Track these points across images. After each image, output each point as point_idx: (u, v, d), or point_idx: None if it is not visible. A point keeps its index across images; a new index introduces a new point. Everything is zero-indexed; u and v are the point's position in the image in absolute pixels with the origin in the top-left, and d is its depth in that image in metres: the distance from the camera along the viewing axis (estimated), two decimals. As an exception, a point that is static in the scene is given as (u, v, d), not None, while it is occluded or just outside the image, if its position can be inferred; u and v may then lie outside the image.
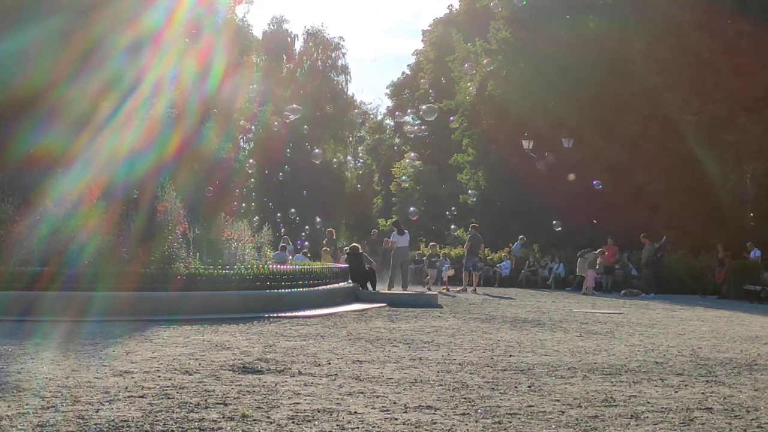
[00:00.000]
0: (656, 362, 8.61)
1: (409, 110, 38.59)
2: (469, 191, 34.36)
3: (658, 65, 28.24)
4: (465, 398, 6.23)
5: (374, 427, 5.21)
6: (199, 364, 7.62)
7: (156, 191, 15.25)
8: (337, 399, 6.09)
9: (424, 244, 37.87)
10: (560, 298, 21.55)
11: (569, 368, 7.96)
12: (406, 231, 22.86)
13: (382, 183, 57.07)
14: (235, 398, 6.00)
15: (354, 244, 22.68)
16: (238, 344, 9.14)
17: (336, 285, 17.09)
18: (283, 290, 14.79)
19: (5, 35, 14.94)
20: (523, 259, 30.04)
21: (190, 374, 7.02)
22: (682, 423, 5.55)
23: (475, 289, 23.67)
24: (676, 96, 27.85)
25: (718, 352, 9.68)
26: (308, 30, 61.56)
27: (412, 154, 42.22)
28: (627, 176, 30.15)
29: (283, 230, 33.22)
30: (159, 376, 6.84)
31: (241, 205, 31.42)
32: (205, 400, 5.89)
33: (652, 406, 6.10)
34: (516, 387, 6.79)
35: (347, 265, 19.41)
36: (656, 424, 5.51)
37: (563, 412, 5.79)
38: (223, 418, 5.35)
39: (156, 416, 5.34)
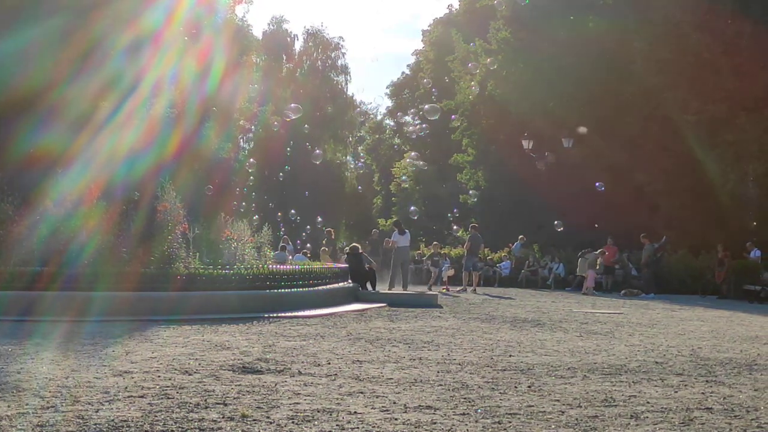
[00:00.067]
0: (656, 362, 8.61)
1: (411, 110, 38.63)
2: (470, 191, 34.38)
3: (658, 65, 28.25)
4: (465, 398, 6.23)
5: (374, 427, 5.21)
6: (199, 364, 7.62)
7: (156, 191, 15.24)
8: (337, 399, 6.08)
9: (424, 244, 37.91)
10: (560, 298, 21.55)
11: (569, 368, 7.96)
12: (407, 231, 22.86)
13: (382, 183, 57.07)
14: (234, 398, 6.00)
15: (354, 244, 22.67)
16: (238, 344, 9.14)
17: (336, 285, 17.09)
18: (282, 290, 14.78)
19: (5, 35, 14.94)
20: (523, 259, 30.04)
21: (190, 374, 7.01)
22: (682, 423, 5.55)
23: (474, 289, 23.68)
24: (676, 96, 27.86)
25: (717, 352, 9.68)
26: (308, 30, 61.62)
27: (413, 154, 42.24)
28: (627, 176, 30.16)
29: (283, 230, 33.22)
30: (159, 376, 6.83)
31: (241, 204, 31.42)
32: (205, 400, 5.89)
33: (652, 406, 6.10)
34: (516, 387, 6.79)
35: (347, 265, 19.40)
36: (656, 424, 5.51)
37: (563, 412, 5.79)
38: (223, 418, 5.35)
39: (156, 416, 5.34)
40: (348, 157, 62.47)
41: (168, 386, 6.39)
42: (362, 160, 55.04)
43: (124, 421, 5.18)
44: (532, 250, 31.39)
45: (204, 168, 22.92)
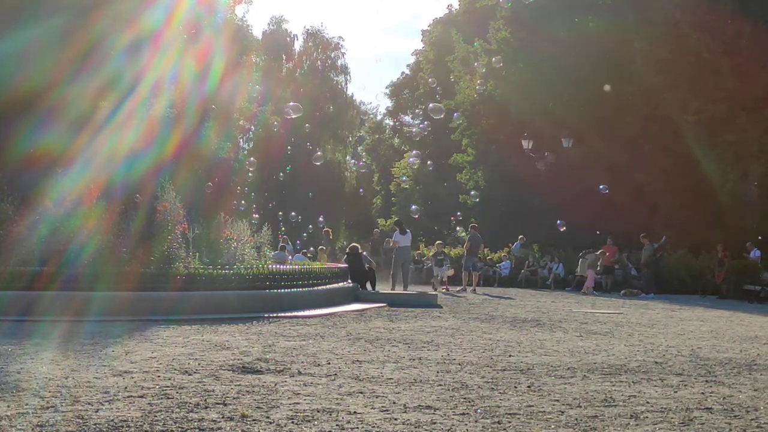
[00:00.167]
0: (656, 362, 8.61)
1: (416, 110, 38.55)
2: (472, 192, 34.37)
3: (658, 65, 28.24)
4: (464, 398, 6.23)
5: (374, 427, 5.21)
6: (199, 364, 7.62)
7: (155, 191, 15.24)
8: (337, 399, 6.08)
9: (424, 244, 37.90)
10: (560, 298, 21.55)
11: (569, 368, 7.96)
12: (408, 231, 22.85)
13: (382, 183, 57.07)
14: (234, 398, 6.00)
15: (354, 244, 22.67)
16: (238, 344, 9.14)
17: (335, 285, 17.08)
18: (282, 290, 14.78)
19: (5, 35, 14.94)
20: (523, 259, 30.04)
21: (190, 374, 7.01)
22: (682, 423, 5.55)
23: (474, 289, 23.68)
24: (676, 96, 27.85)
25: (717, 352, 9.68)
26: (308, 30, 61.64)
27: (414, 152, 42.20)
28: (627, 176, 30.15)
29: (283, 230, 33.21)
30: (158, 376, 6.83)
31: (241, 203, 31.40)
32: (205, 400, 5.89)
33: (652, 406, 6.10)
34: (515, 387, 6.79)
35: (347, 265, 19.40)
36: (656, 424, 5.51)
37: (563, 412, 5.79)
38: (223, 418, 5.35)
39: (155, 416, 5.34)
40: (348, 157, 62.50)
41: (168, 386, 6.39)
42: (363, 160, 54.98)
43: (124, 421, 5.18)
44: (531, 250, 31.39)
45: (204, 168, 22.92)
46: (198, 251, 15.45)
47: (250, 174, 35.50)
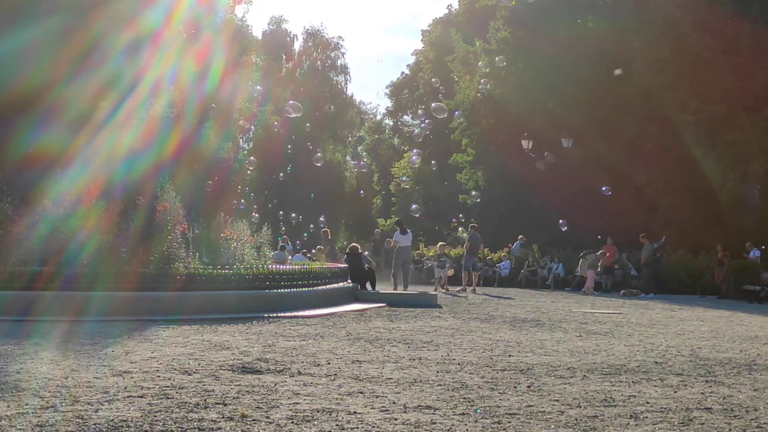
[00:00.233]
0: (655, 362, 8.61)
1: (419, 111, 38.46)
2: (473, 193, 34.38)
3: (658, 65, 28.25)
4: (464, 398, 6.23)
5: (373, 427, 5.21)
6: (199, 364, 7.62)
7: (155, 191, 15.23)
8: (337, 399, 6.08)
9: (424, 244, 37.89)
10: (559, 298, 21.55)
11: (568, 368, 7.95)
12: (408, 231, 22.85)
13: (382, 183, 57.08)
14: (234, 398, 6.00)
15: (353, 244, 22.66)
16: (238, 344, 9.14)
17: (335, 285, 17.08)
18: (282, 290, 14.78)
19: (4, 35, 14.93)
20: (523, 259, 30.05)
21: (190, 374, 7.01)
22: (682, 423, 5.55)
23: (474, 289, 23.68)
24: (675, 96, 27.86)
25: (717, 352, 9.68)
26: (307, 30, 61.65)
27: (415, 150, 42.20)
28: (626, 176, 30.15)
29: (283, 230, 33.21)
30: (158, 376, 6.83)
31: (241, 201, 31.39)
32: (205, 400, 5.89)
33: (652, 406, 6.10)
34: (515, 387, 6.79)
35: (346, 265, 19.40)
36: (655, 424, 5.51)
37: (562, 412, 5.79)
38: (223, 418, 5.35)
39: (155, 416, 5.33)
40: (348, 157, 62.51)
41: (167, 386, 6.39)
42: (364, 160, 54.99)
43: (124, 421, 5.18)
44: (531, 250, 31.39)
45: (203, 168, 22.91)
46: (198, 251, 15.45)
47: (249, 171, 35.48)
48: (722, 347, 10.29)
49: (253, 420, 5.31)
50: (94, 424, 5.07)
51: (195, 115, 20.79)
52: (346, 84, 61.17)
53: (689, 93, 27.39)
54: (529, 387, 6.80)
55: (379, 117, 65.80)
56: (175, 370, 7.21)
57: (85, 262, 13.23)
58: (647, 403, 6.24)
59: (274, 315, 12.76)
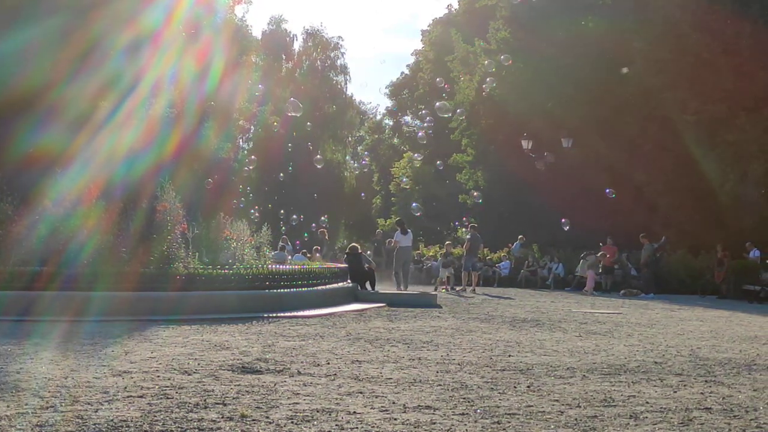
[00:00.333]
0: (655, 362, 8.61)
1: (422, 113, 38.33)
2: (475, 193, 34.41)
3: (658, 65, 28.25)
4: (464, 398, 6.23)
5: (373, 427, 5.21)
6: (198, 364, 7.62)
7: (155, 191, 15.24)
8: (336, 399, 6.08)
9: (424, 244, 37.89)
10: (559, 298, 21.55)
11: (568, 368, 7.96)
12: (409, 231, 22.87)
13: (382, 183, 57.08)
14: (234, 398, 6.00)
15: (353, 244, 22.68)
16: (237, 344, 9.14)
17: (335, 285, 17.09)
18: (282, 290, 14.78)
19: (4, 35, 14.93)
20: (522, 259, 30.05)
21: (189, 374, 7.01)
22: (681, 423, 5.55)
23: (474, 289, 23.68)
24: (675, 96, 27.86)
25: (717, 352, 9.68)
26: (307, 30, 61.68)
27: (416, 155, 42.22)
28: (626, 176, 30.15)
29: (284, 229, 33.20)
30: (158, 376, 6.83)
31: (240, 199, 31.39)
32: (204, 400, 5.89)
33: (651, 406, 6.10)
34: (515, 387, 6.79)
35: (346, 265, 19.41)
36: (655, 424, 5.51)
37: (562, 412, 5.79)
38: (222, 418, 5.35)
39: (155, 416, 5.33)
40: (347, 157, 62.50)
41: (167, 386, 6.39)
42: (365, 160, 54.96)
43: (124, 421, 5.18)
44: (531, 250, 31.40)
45: (203, 168, 22.90)
46: (198, 251, 15.45)
47: (249, 169, 35.45)
48: (722, 347, 10.29)
49: (253, 420, 5.31)
50: (94, 424, 5.07)
51: (195, 115, 20.78)
52: (345, 84, 61.24)
53: (689, 93, 27.40)
54: (528, 387, 6.81)
55: (378, 117, 65.86)
56: (175, 370, 7.21)
57: (85, 262, 13.23)
58: (647, 403, 6.24)
59: (274, 315, 12.76)
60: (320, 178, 51.19)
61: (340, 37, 63.16)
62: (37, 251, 13.44)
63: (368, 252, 28.31)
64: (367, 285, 19.23)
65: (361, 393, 6.35)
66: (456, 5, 51.02)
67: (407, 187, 45.63)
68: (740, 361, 8.89)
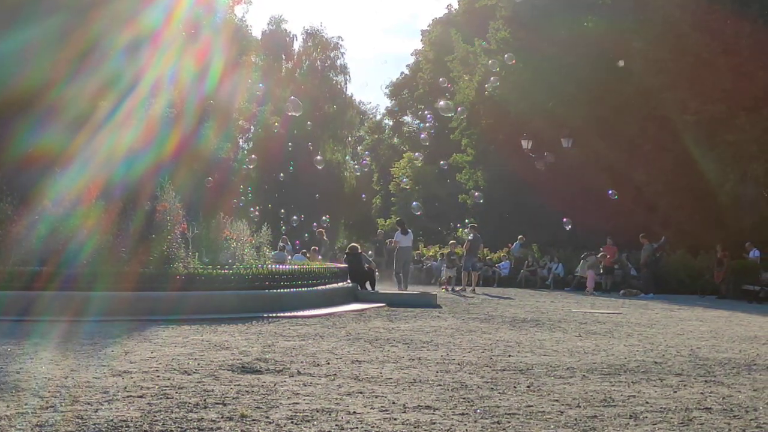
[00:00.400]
0: (655, 362, 8.61)
1: (424, 113, 38.32)
2: (477, 193, 34.44)
3: (658, 65, 28.25)
4: (464, 398, 6.23)
5: (373, 427, 5.21)
6: (198, 364, 7.61)
7: (155, 191, 15.23)
8: (336, 399, 6.08)
9: (423, 244, 37.87)
10: (559, 298, 21.55)
11: (568, 368, 7.95)
12: (409, 231, 22.87)
13: (381, 183, 57.08)
14: (234, 398, 6.00)
15: (353, 244, 22.68)
16: (237, 344, 9.14)
17: (335, 285, 17.09)
18: (282, 290, 14.78)
19: (4, 34, 14.92)
20: (522, 259, 30.06)
21: (189, 374, 7.01)
22: (681, 423, 5.55)
23: (474, 289, 23.69)
24: (675, 96, 27.87)
25: (717, 352, 9.68)
26: (307, 30, 61.67)
27: (416, 154, 42.21)
28: (626, 176, 30.16)
29: (284, 228, 33.20)
30: (158, 376, 6.83)
31: (240, 198, 31.37)
32: (204, 400, 5.89)
33: (651, 406, 6.10)
34: (515, 387, 6.79)
35: (346, 265, 19.41)
36: (655, 424, 5.51)
37: (562, 412, 5.79)
38: (222, 418, 5.35)
39: (155, 416, 5.33)
40: (347, 157, 62.49)
41: (167, 386, 6.39)
42: (366, 160, 55.03)
43: (123, 421, 5.18)
44: (531, 250, 31.41)
45: (203, 168, 22.89)
46: (197, 251, 15.44)
47: (250, 168, 35.42)
48: (722, 347, 10.29)
49: (253, 420, 5.30)
50: (94, 424, 5.07)
51: (194, 115, 20.78)
52: (345, 84, 61.23)
53: (689, 93, 27.40)
54: (528, 387, 6.80)
55: (378, 117, 65.86)
56: (175, 370, 7.21)
57: (85, 262, 13.22)
58: (647, 403, 6.24)
59: (274, 315, 12.76)
60: (320, 178, 51.19)
61: (339, 37, 63.24)
62: (37, 251, 13.44)
63: (370, 252, 28.31)
64: (367, 285, 19.23)
65: (361, 393, 6.35)
66: (456, 5, 51.02)
67: (407, 187, 45.63)
68: (740, 361, 8.89)
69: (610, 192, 26.59)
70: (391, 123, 63.11)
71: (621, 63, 29.63)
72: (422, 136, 31.92)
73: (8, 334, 9.58)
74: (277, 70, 57.99)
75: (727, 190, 27.21)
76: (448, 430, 5.20)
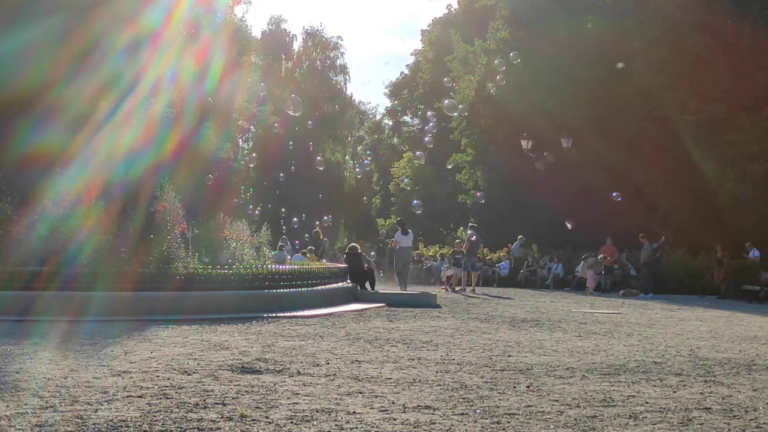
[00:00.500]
0: (655, 362, 8.61)
1: (428, 114, 38.26)
2: (479, 194, 34.43)
3: (658, 65, 28.25)
4: (463, 398, 6.23)
5: (373, 427, 5.21)
6: (198, 364, 7.62)
7: (154, 191, 15.23)
8: (336, 399, 6.08)
9: (423, 244, 37.85)
10: (559, 298, 21.55)
11: (568, 368, 7.96)
12: (410, 231, 22.88)
13: (381, 183, 57.07)
14: (233, 398, 6.00)
15: (353, 244, 22.69)
16: (237, 344, 9.14)
17: (335, 285, 17.09)
18: (281, 290, 14.78)
19: (4, 34, 14.92)
20: (522, 259, 30.06)
21: (189, 374, 7.01)
22: (681, 423, 5.55)
23: (474, 289, 23.69)
24: (675, 96, 27.87)
25: (716, 352, 9.68)
26: (307, 30, 61.70)
27: (417, 153, 42.24)
28: (626, 176, 30.16)
29: (284, 228, 33.20)
30: (157, 376, 6.83)
31: (240, 196, 31.36)
32: (204, 400, 5.89)
33: (651, 406, 6.10)
34: (515, 387, 6.79)
35: (346, 265, 19.41)
36: (655, 424, 5.51)
37: (562, 412, 5.79)
38: (222, 418, 5.35)
39: (154, 416, 5.33)
40: (347, 157, 62.50)
41: (167, 386, 6.39)
42: (366, 160, 55.05)
43: (123, 421, 5.18)
44: (531, 250, 31.41)
45: (203, 168, 22.90)
46: (197, 251, 15.45)
47: (250, 167, 35.41)
48: (721, 347, 10.29)
49: (253, 420, 5.31)
50: (94, 424, 5.07)
51: (194, 115, 20.79)
52: (345, 84, 61.24)
53: (689, 93, 27.40)
54: (528, 387, 6.80)
55: (378, 117, 65.86)
56: (175, 370, 7.21)
57: (85, 262, 13.22)
58: (646, 403, 6.24)
59: (274, 315, 12.76)
60: (320, 178, 51.20)
61: (339, 37, 63.29)
62: (37, 251, 13.44)
63: (372, 253, 28.35)
64: (367, 285, 19.23)
65: (360, 393, 6.35)
66: (456, 5, 51.02)
67: (408, 188, 45.65)
68: (740, 361, 8.89)
69: (614, 194, 26.56)
70: (390, 123, 63.11)
71: (620, 65, 29.63)
72: (426, 139, 31.91)
73: (8, 334, 9.58)
74: (276, 70, 57.99)
75: (727, 190, 27.21)
76: (448, 430, 5.20)
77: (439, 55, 47.86)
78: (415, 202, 31.88)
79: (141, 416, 5.32)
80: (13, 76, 14.97)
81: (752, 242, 25.11)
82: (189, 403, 5.79)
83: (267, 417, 5.41)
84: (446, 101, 26.31)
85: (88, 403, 5.67)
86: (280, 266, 16.04)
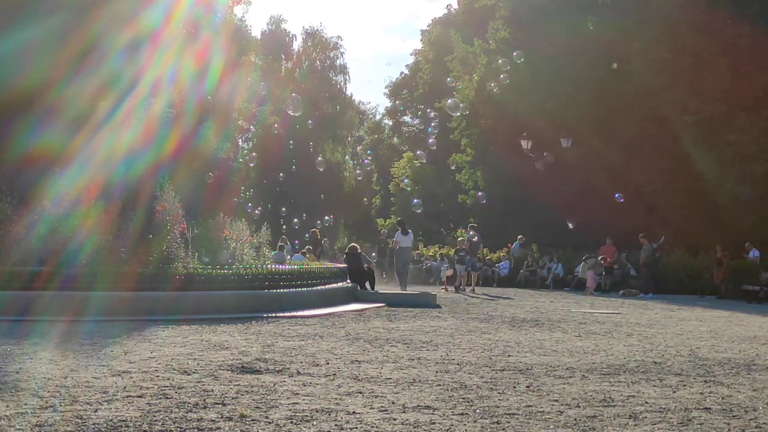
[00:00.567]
0: (655, 362, 8.61)
1: (430, 115, 38.16)
2: (480, 193, 34.42)
3: (657, 65, 28.25)
4: (463, 398, 6.23)
5: (373, 427, 5.21)
6: (198, 364, 7.61)
7: (154, 191, 15.23)
8: (336, 399, 6.08)
9: (423, 244, 37.85)
10: (559, 298, 21.55)
11: (568, 368, 7.96)
12: (410, 231, 22.89)
13: (381, 183, 57.05)
14: (233, 398, 6.00)
15: (352, 244, 22.69)
16: (237, 344, 9.14)
17: (334, 285, 17.09)
18: (281, 290, 14.78)
19: (4, 34, 14.92)
20: (522, 259, 30.07)
21: (189, 374, 7.01)
22: (681, 423, 5.55)
23: (473, 289, 23.69)
24: (674, 96, 27.86)
25: (716, 352, 9.68)
26: (306, 30, 61.71)
27: (418, 152, 42.20)
28: (625, 176, 30.15)
29: (284, 228, 33.19)
30: (157, 376, 6.83)
31: (240, 195, 31.35)
32: (204, 400, 5.89)
33: (651, 406, 6.10)
34: (514, 387, 6.79)
35: (345, 265, 19.41)
36: (654, 424, 5.51)
37: (562, 412, 5.79)
38: (222, 418, 5.35)
39: (154, 416, 5.33)
40: (347, 157, 62.48)
41: (166, 386, 6.39)
42: (367, 160, 55.00)
43: (123, 421, 5.18)
44: (530, 250, 31.41)
45: (203, 168, 22.90)
46: (197, 251, 15.45)
47: (251, 166, 35.39)
48: (721, 347, 10.29)
49: (252, 420, 5.31)
50: (93, 424, 5.07)
51: (194, 115, 20.78)
52: (345, 84, 61.25)
53: (688, 93, 27.40)
54: (528, 387, 6.81)
55: (378, 117, 65.85)
56: (174, 370, 7.21)
57: (84, 262, 13.22)
58: (646, 403, 6.24)
59: (273, 315, 12.76)
60: (320, 178, 51.19)
61: (339, 37, 63.33)
62: (36, 251, 13.44)
63: (373, 254, 28.35)
64: (367, 285, 19.23)
65: (360, 393, 6.35)
66: (455, 5, 51.01)
67: (408, 188, 45.64)
68: (739, 361, 8.89)
69: (616, 195, 26.52)
70: (390, 123, 63.10)
71: (615, 66, 29.64)
72: (430, 141, 31.93)
73: (8, 334, 9.58)
74: (276, 70, 57.99)
75: (727, 190, 27.20)
76: (448, 430, 5.20)
77: (438, 55, 47.85)
78: (415, 201, 31.84)
79: (141, 416, 5.32)
80: (13, 76, 14.97)
81: (752, 242, 25.11)
82: (189, 403, 5.79)
83: (267, 417, 5.41)
84: (449, 101, 26.26)
85: (88, 403, 5.67)
86: (280, 266, 16.05)
